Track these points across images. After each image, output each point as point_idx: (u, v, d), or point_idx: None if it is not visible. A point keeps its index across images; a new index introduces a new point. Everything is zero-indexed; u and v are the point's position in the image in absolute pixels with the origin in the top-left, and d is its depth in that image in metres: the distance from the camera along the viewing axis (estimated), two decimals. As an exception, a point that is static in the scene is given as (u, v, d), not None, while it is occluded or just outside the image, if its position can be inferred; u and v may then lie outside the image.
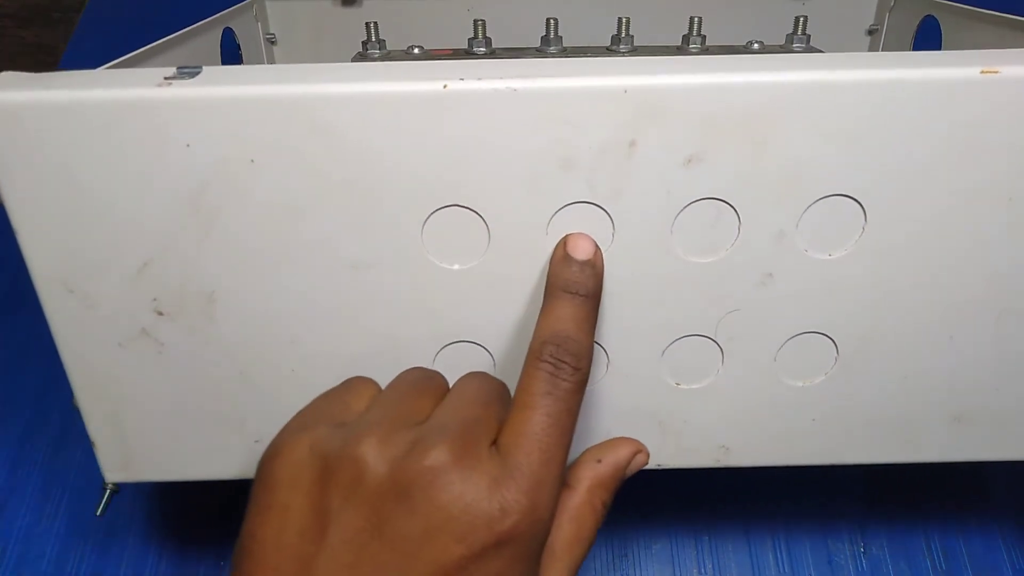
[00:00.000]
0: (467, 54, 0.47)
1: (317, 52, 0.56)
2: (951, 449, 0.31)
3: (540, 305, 0.27)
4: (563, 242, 0.27)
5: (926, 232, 0.27)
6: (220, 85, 0.24)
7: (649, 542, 0.42)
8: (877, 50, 0.55)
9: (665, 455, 0.31)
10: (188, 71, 0.25)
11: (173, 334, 0.28)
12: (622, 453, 0.28)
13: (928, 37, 0.49)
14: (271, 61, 0.55)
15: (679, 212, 0.26)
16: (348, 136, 0.25)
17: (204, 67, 0.25)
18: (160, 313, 0.27)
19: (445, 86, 0.24)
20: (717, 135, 0.25)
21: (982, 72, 0.24)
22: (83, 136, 0.24)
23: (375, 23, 0.47)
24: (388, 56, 0.47)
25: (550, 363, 0.24)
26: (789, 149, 0.25)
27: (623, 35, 0.47)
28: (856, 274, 0.27)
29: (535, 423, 0.23)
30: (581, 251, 0.26)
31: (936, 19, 0.47)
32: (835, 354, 0.29)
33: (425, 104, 0.24)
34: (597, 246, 0.27)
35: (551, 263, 0.27)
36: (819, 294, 0.28)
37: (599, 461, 0.28)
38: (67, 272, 0.27)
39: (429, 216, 0.26)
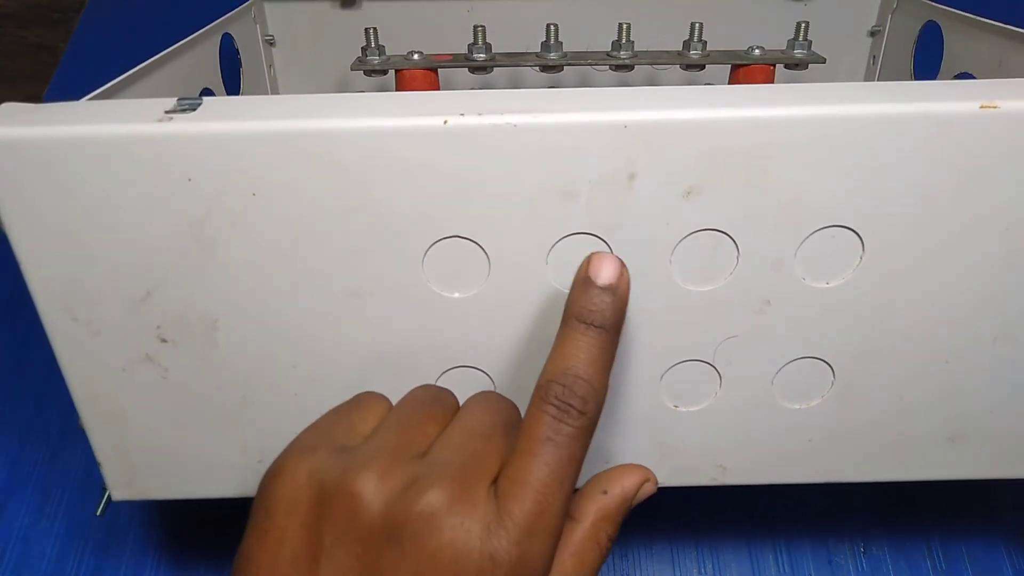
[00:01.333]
0: (467, 59, 0.47)
1: (316, 54, 0.55)
2: (948, 468, 0.31)
3: (542, 331, 0.28)
4: (586, 262, 0.25)
5: (923, 261, 0.27)
6: (220, 120, 0.24)
7: (649, 542, 0.43)
8: (879, 52, 0.54)
9: (663, 474, 0.31)
10: (188, 103, 0.25)
11: (176, 359, 0.28)
12: (628, 483, 0.27)
13: (930, 41, 0.48)
14: (270, 64, 0.55)
15: (678, 242, 0.26)
16: (349, 170, 0.25)
17: (204, 99, 0.26)
18: (163, 340, 0.28)
19: (446, 122, 0.24)
20: (716, 168, 0.25)
21: (981, 107, 0.24)
22: (84, 170, 0.24)
23: (374, 29, 0.47)
24: (388, 62, 0.46)
25: (555, 405, 0.23)
26: (788, 181, 0.25)
27: (623, 41, 0.47)
28: (853, 301, 0.27)
29: (533, 472, 0.23)
30: (604, 275, 0.24)
31: (938, 24, 0.47)
32: (832, 378, 0.29)
33: (426, 139, 0.24)
34: (624, 268, 0.24)
35: (572, 285, 0.25)
36: (816, 321, 0.28)
37: (605, 492, 0.27)
38: (71, 301, 0.27)
39: (430, 247, 0.26)
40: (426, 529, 0.22)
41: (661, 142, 0.24)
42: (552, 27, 0.47)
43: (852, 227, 0.26)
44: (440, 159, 0.24)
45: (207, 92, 0.45)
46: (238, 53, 0.49)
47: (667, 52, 0.48)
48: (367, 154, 0.24)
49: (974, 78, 0.43)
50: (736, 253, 0.26)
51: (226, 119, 0.24)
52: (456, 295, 0.27)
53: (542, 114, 0.24)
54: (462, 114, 0.24)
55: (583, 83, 0.50)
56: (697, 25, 0.46)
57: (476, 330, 0.28)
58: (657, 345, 0.28)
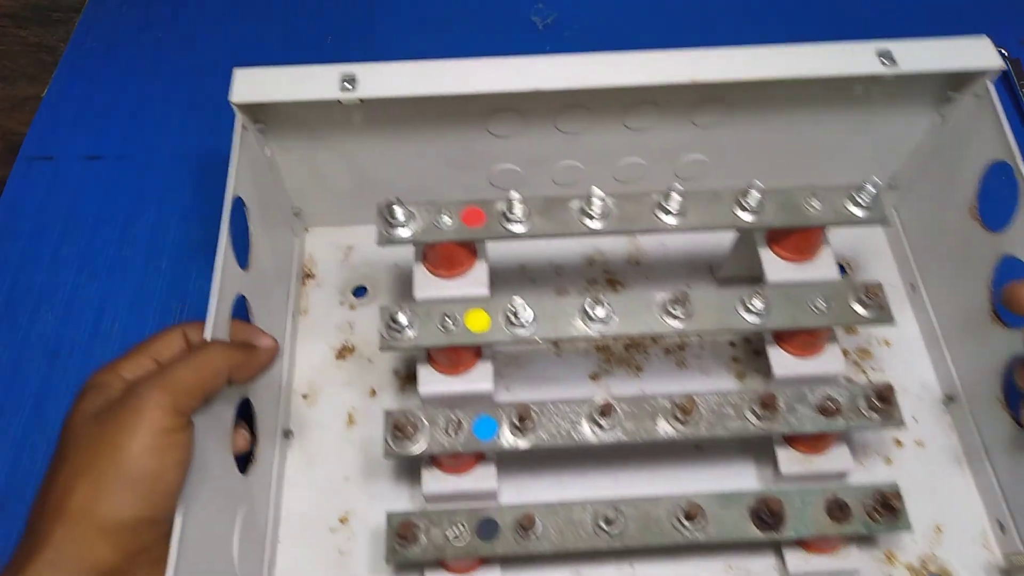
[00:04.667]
0: (502, 227, 0.43)
1: (312, 134, 0.48)
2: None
3: None
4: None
5: None
6: None
7: None
8: (949, 115, 0.49)
9: None
10: None
11: None
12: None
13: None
14: (263, 145, 0.48)
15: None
16: None
17: None
18: None
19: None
20: None
21: None
22: None
23: (398, 199, 0.42)
24: (418, 234, 0.42)
25: None
26: None
27: (675, 210, 0.42)
28: None
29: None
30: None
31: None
32: None
33: None
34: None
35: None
36: None
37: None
38: None
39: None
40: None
41: None
42: (600, 200, 0.42)
43: None
44: None
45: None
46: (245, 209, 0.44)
47: (719, 200, 0.44)
48: None
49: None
50: None
51: None
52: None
53: None
54: None
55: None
56: (755, 192, 0.42)
57: None
58: None
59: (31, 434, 0.50)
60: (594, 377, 0.51)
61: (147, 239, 0.58)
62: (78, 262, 0.57)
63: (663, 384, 0.51)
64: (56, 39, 0.80)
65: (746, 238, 0.48)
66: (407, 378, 0.52)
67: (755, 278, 0.52)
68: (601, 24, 0.69)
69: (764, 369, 0.51)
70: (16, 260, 0.57)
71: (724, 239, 0.52)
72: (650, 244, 0.57)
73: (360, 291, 0.55)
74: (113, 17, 0.70)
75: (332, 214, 0.56)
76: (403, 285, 0.55)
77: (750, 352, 0.53)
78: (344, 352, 0.53)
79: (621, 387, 0.51)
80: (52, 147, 0.62)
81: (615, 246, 0.57)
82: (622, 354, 0.52)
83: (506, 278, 0.55)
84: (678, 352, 0.52)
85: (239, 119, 0.44)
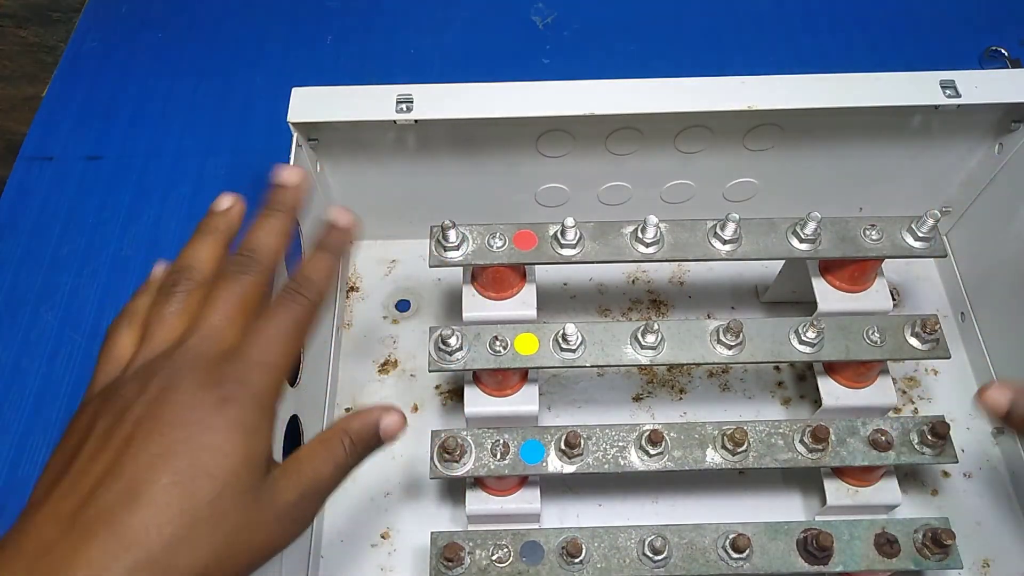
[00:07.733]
0: (554, 251, 0.42)
1: (356, 158, 0.48)
2: None
3: None
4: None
5: None
6: None
7: None
8: (1012, 147, 0.48)
9: None
10: None
11: None
12: (373, 411, 0.32)
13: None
14: (316, 161, 0.48)
15: None
16: None
17: None
18: None
19: None
20: None
21: None
22: None
23: (452, 221, 0.42)
24: (469, 256, 0.42)
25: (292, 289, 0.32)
26: None
27: (729, 236, 0.42)
28: None
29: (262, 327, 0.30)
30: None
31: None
32: None
33: None
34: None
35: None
36: None
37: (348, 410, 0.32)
38: None
39: None
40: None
41: None
42: (654, 227, 0.41)
43: None
44: None
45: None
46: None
47: (774, 230, 0.43)
48: None
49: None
50: None
51: None
52: None
53: None
54: None
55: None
56: (812, 222, 0.41)
57: None
58: None
59: (31, 434, 0.50)
60: (637, 399, 0.51)
61: (147, 239, 0.58)
62: (78, 262, 0.57)
63: (707, 407, 0.51)
64: (56, 39, 0.80)
65: (796, 264, 0.48)
66: (449, 393, 0.52)
67: (802, 302, 0.52)
68: (601, 24, 0.69)
69: (809, 394, 0.51)
70: (16, 260, 0.57)
71: (772, 262, 0.52)
72: (695, 265, 0.56)
73: (403, 304, 0.55)
74: (113, 17, 0.70)
75: (377, 228, 0.56)
76: (447, 300, 0.55)
77: (795, 377, 0.52)
78: (387, 367, 0.53)
79: (664, 409, 0.51)
80: (52, 147, 0.63)
81: (660, 266, 0.56)
82: (665, 376, 0.52)
83: (549, 295, 0.55)
84: (722, 375, 0.52)
85: (295, 138, 0.44)
